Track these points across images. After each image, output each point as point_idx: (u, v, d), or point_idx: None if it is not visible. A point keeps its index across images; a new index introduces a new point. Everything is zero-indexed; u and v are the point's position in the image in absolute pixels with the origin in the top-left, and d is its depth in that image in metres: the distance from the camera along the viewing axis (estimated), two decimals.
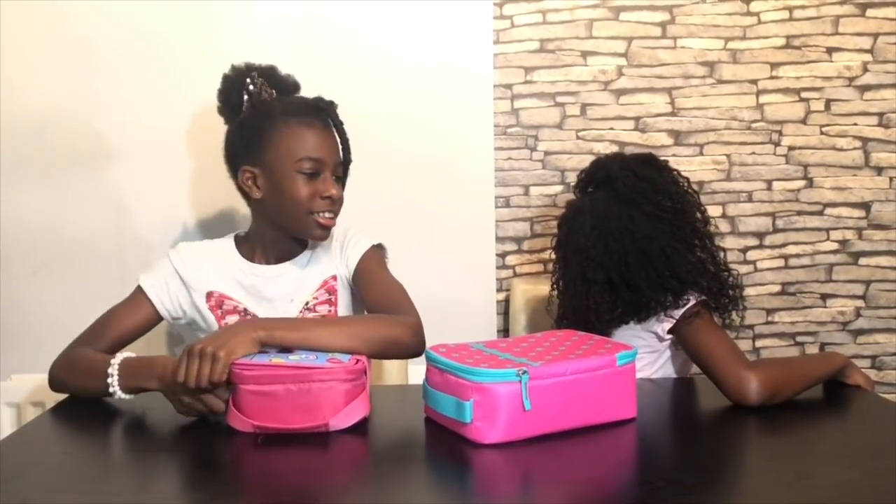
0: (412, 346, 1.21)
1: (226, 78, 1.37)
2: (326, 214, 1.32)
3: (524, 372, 0.99)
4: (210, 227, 1.77)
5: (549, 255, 1.72)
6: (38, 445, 1.06)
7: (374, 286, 1.34)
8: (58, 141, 1.75)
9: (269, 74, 1.37)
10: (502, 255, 1.87)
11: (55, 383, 1.26)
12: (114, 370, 1.16)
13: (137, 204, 1.77)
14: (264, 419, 1.04)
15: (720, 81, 1.85)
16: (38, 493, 0.89)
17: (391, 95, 1.76)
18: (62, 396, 1.28)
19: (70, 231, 1.76)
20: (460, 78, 1.79)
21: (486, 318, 1.85)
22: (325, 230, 1.34)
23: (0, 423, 1.69)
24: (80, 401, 1.26)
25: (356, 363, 1.08)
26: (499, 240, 1.87)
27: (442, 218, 1.82)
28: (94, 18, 1.73)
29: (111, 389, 1.16)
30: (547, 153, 1.85)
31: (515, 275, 1.88)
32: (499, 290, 1.87)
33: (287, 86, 1.39)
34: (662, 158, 1.47)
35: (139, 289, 1.35)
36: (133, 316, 1.34)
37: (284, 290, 1.37)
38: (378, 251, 1.41)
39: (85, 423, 1.17)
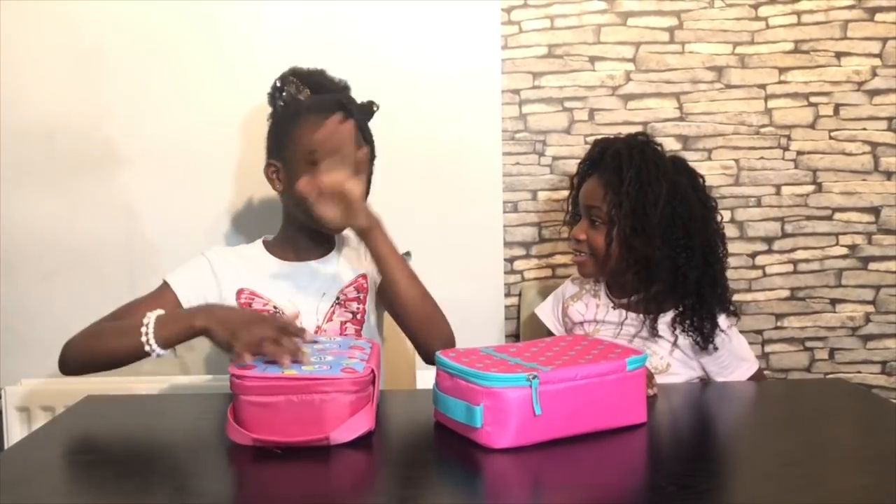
0: (447, 339, 1.32)
1: (274, 81, 1.43)
2: None
3: (534, 377, 0.99)
4: (220, 233, 1.78)
5: (558, 259, 1.74)
6: (48, 449, 1.06)
7: None
8: (67, 146, 1.76)
9: (313, 77, 1.42)
10: (510, 260, 1.87)
11: (72, 358, 1.23)
12: (150, 321, 1.13)
13: (147, 209, 1.78)
14: (264, 432, 1.01)
15: (728, 86, 1.85)
16: (49, 497, 0.90)
17: (399, 100, 1.76)
18: (73, 401, 1.29)
19: (80, 236, 1.77)
20: (468, 83, 1.79)
21: (494, 323, 1.85)
22: None
23: (9, 427, 1.70)
24: (89, 405, 1.27)
25: (368, 373, 1.06)
26: (507, 244, 1.87)
27: (450, 222, 1.82)
28: (105, 25, 1.74)
29: (147, 345, 1.13)
30: (555, 158, 1.85)
31: (524, 280, 1.88)
32: (507, 294, 1.87)
33: (331, 88, 1.44)
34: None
35: (165, 284, 1.36)
36: (152, 307, 1.26)
37: (317, 285, 1.41)
38: (405, 257, 1.43)
39: (95, 428, 1.17)
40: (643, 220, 1.42)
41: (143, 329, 1.14)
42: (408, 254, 1.44)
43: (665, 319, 1.46)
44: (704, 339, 1.44)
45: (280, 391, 1.01)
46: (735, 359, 1.49)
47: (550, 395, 1.00)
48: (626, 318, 1.50)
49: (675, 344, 1.46)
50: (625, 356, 1.08)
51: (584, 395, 1.03)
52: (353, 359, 1.09)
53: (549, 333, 1.62)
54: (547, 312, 1.64)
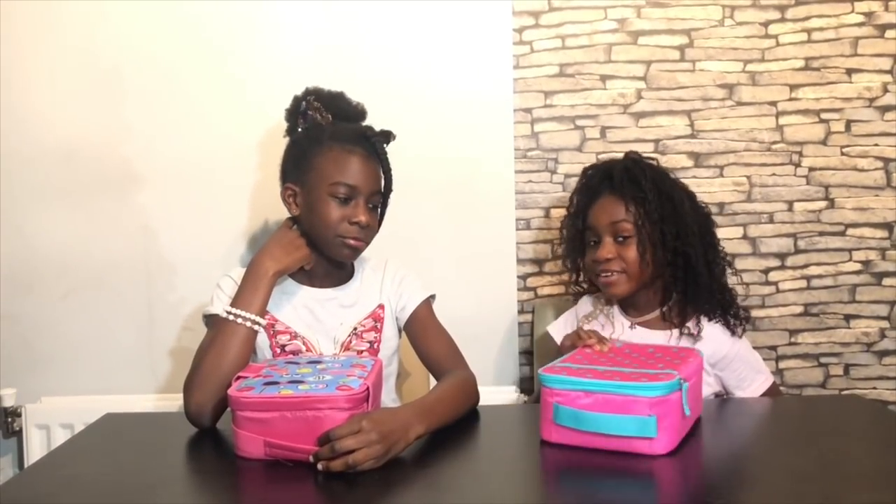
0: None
1: (295, 99, 1.43)
2: (354, 238, 1.36)
3: (684, 380, 1.07)
4: (237, 252, 1.80)
5: (570, 277, 1.74)
6: (71, 467, 1.08)
7: (432, 340, 1.43)
8: (86, 167, 1.79)
9: (333, 100, 1.42)
10: (523, 277, 1.88)
11: (197, 396, 1.21)
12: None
13: (164, 229, 1.80)
14: (261, 447, 1.05)
15: (739, 103, 1.86)
16: None
17: (413, 120, 1.78)
18: (91, 419, 1.30)
19: (98, 256, 1.80)
20: (481, 102, 1.81)
21: (507, 340, 1.86)
22: (353, 250, 1.38)
23: (30, 444, 1.71)
24: (109, 422, 1.28)
25: (363, 391, 1.08)
26: (520, 262, 1.88)
27: (463, 240, 1.84)
28: (122, 48, 1.77)
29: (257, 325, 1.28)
30: (567, 176, 1.86)
31: (536, 297, 1.88)
32: (520, 311, 1.88)
33: (351, 113, 1.44)
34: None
35: (218, 317, 1.29)
36: (236, 344, 1.27)
37: (336, 313, 1.41)
38: (430, 300, 1.48)
39: (116, 445, 1.19)
40: (675, 219, 1.48)
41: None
42: (433, 297, 1.48)
43: (688, 328, 1.50)
44: (736, 318, 1.52)
45: (275, 407, 1.05)
46: (751, 371, 1.51)
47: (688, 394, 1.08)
48: (647, 336, 1.52)
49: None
50: (691, 351, 1.22)
51: (697, 390, 1.15)
52: (351, 376, 1.11)
53: (559, 352, 1.63)
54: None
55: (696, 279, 1.49)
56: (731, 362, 1.49)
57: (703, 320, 1.50)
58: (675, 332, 1.51)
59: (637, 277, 1.49)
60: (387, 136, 1.40)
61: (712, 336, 1.49)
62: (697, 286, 1.49)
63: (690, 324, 1.50)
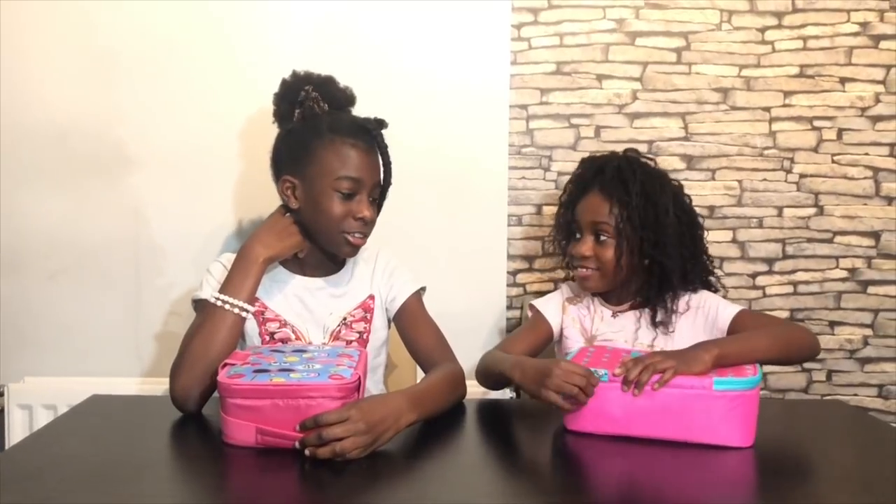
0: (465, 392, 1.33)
1: (284, 83, 1.40)
2: (357, 234, 1.35)
3: (602, 375, 1.13)
4: (228, 237, 1.79)
5: (560, 273, 1.74)
6: (56, 447, 1.07)
7: (421, 332, 1.43)
8: (79, 148, 1.78)
9: (325, 86, 1.38)
10: (513, 273, 1.89)
11: (182, 376, 1.22)
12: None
13: (155, 211, 1.79)
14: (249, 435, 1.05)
15: (733, 108, 1.87)
16: (58, 493, 0.91)
17: (407, 113, 1.79)
18: (75, 400, 1.30)
19: (88, 237, 1.79)
20: (477, 98, 1.81)
21: (495, 335, 1.86)
22: (354, 248, 1.37)
23: (12, 424, 1.70)
24: (94, 404, 1.28)
25: (355, 380, 1.08)
26: (510, 258, 1.88)
27: (455, 234, 1.84)
28: (118, 29, 1.76)
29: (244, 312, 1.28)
30: (560, 173, 1.87)
31: (526, 293, 1.89)
32: (509, 307, 1.88)
33: (342, 99, 1.41)
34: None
35: (207, 302, 1.29)
36: (222, 329, 1.26)
37: (326, 302, 1.40)
38: (420, 293, 1.47)
39: (101, 426, 1.18)
40: (656, 231, 1.45)
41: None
42: (423, 289, 1.48)
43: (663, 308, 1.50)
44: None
45: (266, 395, 1.04)
46: (721, 302, 1.51)
47: (628, 395, 1.13)
48: (631, 322, 1.53)
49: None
50: (715, 375, 1.13)
51: (660, 402, 1.12)
52: (340, 366, 1.11)
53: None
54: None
55: (670, 287, 1.48)
56: (714, 309, 1.49)
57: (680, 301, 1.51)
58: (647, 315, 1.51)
59: (611, 277, 1.49)
60: (382, 125, 1.38)
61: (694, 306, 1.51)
62: (668, 292, 1.49)
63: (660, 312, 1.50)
